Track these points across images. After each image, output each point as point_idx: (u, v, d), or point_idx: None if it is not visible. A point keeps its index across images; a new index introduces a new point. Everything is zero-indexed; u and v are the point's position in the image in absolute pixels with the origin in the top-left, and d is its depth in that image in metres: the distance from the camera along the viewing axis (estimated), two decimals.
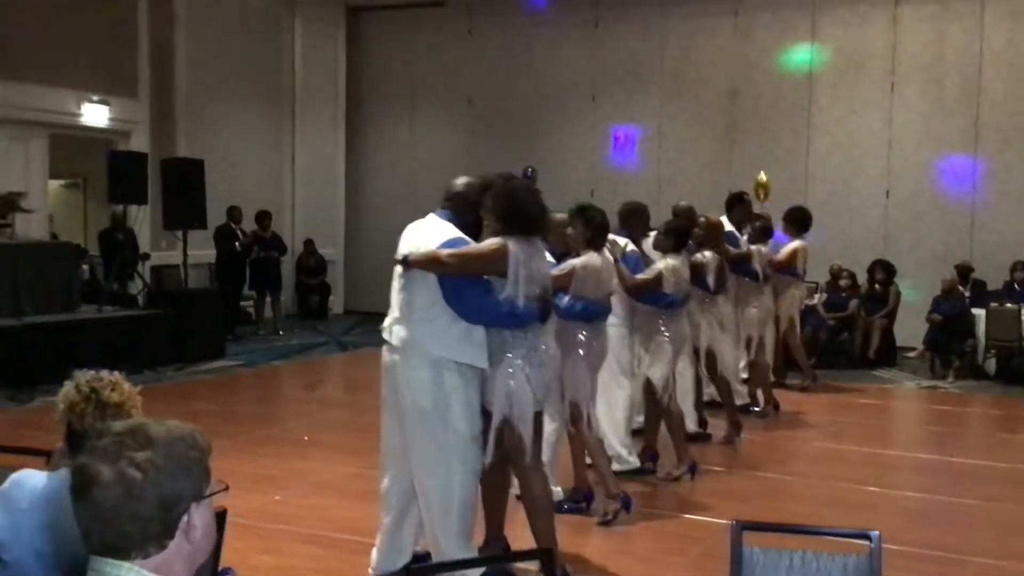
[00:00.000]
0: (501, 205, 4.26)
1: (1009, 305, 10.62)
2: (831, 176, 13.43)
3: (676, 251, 6.41)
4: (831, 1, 13.36)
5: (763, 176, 10.22)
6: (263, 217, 13.43)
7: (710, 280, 7.09)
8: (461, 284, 4.13)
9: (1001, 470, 6.93)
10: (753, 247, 8.29)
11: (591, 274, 5.26)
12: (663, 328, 6.27)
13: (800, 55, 13.57)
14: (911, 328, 12.07)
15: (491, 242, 4.19)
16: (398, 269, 4.26)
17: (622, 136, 14.65)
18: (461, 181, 4.47)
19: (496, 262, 4.14)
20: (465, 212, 4.35)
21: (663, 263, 6.27)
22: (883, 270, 12.13)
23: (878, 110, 13.21)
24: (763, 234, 8.50)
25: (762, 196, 10.00)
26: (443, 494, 4.18)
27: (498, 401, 4.21)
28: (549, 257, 4.83)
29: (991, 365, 10.90)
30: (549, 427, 5.02)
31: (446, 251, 4.09)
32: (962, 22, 12.76)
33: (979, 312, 10.93)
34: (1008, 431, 8.79)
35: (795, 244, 9.22)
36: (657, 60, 14.31)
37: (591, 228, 5.35)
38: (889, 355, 11.81)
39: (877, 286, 12.11)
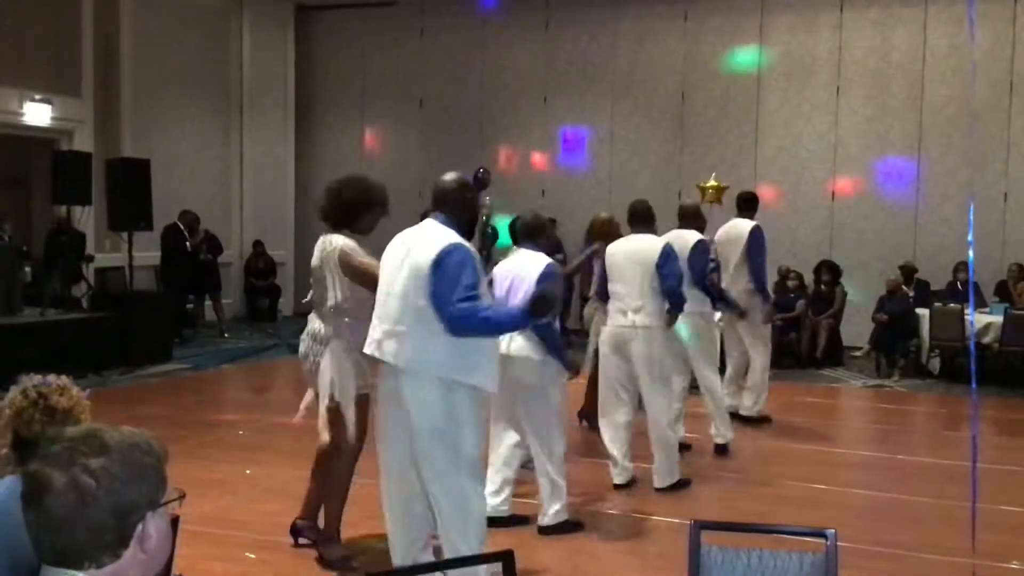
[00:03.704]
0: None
1: (952, 305, 10.81)
2: (778, 178, 13.60)
3: None
4: (778, 6, 13.54)
5: (714, 179, 10.32)
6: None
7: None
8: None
9: (947, 467, 7.05)
10: None
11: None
12: None
13: (748, 58, 13.73)
14: (857, 328, 12.29)
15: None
16: (396, 274, 3.96)
17: (573, 137, 14.70)
18: (451, 179, 4.16)
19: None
20: (460, 212, 4.13)
21: None
22: (829, 271, 12.31)
23: (824, 113, 13.41)
24: None
25: (712, 198, 10.09)
26: (462, 513, 3.97)
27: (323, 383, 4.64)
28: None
29: (935, 364, 11.11)
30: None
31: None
32: (906, 28, 13.01)
33: (923, 312, 11.12)
34: (952, 429, 8.95)
35: None
36: (608, 62, 14.38)
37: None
38: (836, 355, 11.99)
39: (823, 287, 12.28)
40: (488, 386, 4.02)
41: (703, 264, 7.19)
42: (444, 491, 3.94)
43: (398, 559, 4.09)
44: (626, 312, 6.12)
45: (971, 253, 5.47)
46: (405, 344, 3.89)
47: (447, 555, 3.97)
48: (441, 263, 3.81)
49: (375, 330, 4.02)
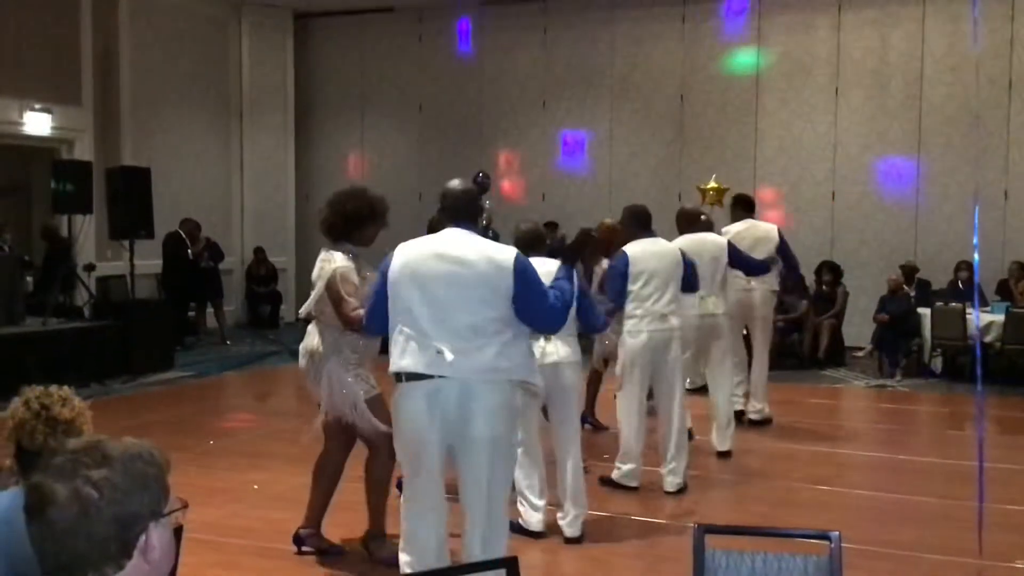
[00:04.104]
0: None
1: (953, 304, 10.81)
2: (778, 179, 13.60)
3: None
4: (776, 7, 13.54)
5: (715, 181, 10.32)
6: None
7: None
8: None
9: (950, 467, 7.05)
10: None
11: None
12: None
13: (746, 60, 13.73)
14: (859, 328, 12.29)
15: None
16: (442, 289, 3.77)
17: (572, 140, 14.71)
18: (465, 187, 4.05)
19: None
20: (478, 219, 4.13)
21: None
22: (830, 271, 12.31)
23: (823, 113, 13.41)
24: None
25: (712, 200, 10.09)
26: (499, 519, 3.91)
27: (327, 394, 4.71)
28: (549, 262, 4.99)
29: (937, 363, 11.09)
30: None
31: None
32: (904, 28, 13.02)
33: (924, 311, 11.11)
34: (956, 428, 8.93)
35: None
36: (606, 66, 14.39)
37: None
38: (838, 355, 11.99)
39: (824, 287, 12.28)
40: (541, 384, 4.17)
41: (746, 256, 7.45)
42: (492, 499, 3.85)
43: (430, 561, 3.93)
44: (665, 316, 6.13)
45: (976, 255, 5.49)
46: (482, 356, 3.74)
47: (469, 558, 3.85)
48: (520, 272, 3.78)
49: (429, 348, 3.75)
